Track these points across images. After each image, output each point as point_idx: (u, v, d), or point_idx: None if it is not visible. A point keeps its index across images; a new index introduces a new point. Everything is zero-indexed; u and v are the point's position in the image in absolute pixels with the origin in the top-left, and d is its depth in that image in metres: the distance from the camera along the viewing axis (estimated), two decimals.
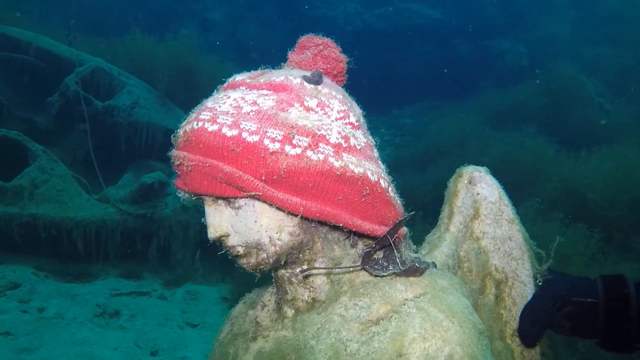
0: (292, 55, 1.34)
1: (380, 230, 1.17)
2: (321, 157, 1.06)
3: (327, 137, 1.08)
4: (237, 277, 7.28)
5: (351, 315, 1.11)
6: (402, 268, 1.16)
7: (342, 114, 1.16)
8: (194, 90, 9.95)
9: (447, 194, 1.69)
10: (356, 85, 1.46)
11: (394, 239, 1.20)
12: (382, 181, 1.15)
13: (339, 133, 1.11)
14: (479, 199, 1.68)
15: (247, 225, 1.13)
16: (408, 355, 1.00)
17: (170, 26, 12.22)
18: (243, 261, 1.17)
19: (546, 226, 6.16)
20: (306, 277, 1.21)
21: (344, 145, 1.11)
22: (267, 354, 1.18)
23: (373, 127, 1.34)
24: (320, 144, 1.07)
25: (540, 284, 1.64)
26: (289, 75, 1.18)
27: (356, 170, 1.09)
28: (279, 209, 1.11)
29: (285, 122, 1.06)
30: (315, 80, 1.19)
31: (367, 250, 1.19)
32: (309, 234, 1.17)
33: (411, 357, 1.00)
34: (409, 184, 8.59)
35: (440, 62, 15.22)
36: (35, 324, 5.87)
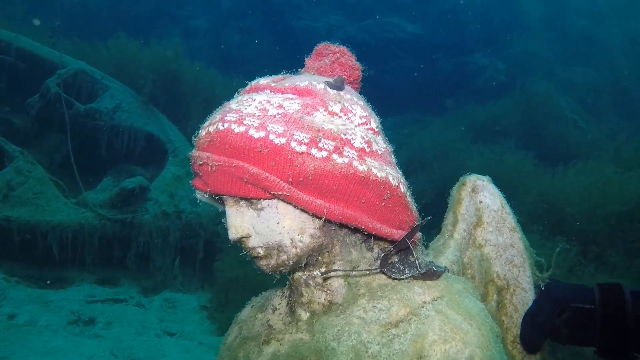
0: (309, 62, 1.36)
1: (398, 234, 1.19)
2: (346, 160, 1.08)
3: (352, 142, 1.10)
4: (217, 285, 7.20)
5: (371, 318, 1.12)
6: (420, 271, 1.18)
7: (364, 120, 1.19)
8: (178, 96, 9.88)
9: (451, 202, 1.72)
10: None
11: (410, 243, 1.22)
12: (401, 186, 1.18)
13: (362, 138, 1.13)
14: (482, 207, 1.71)
15: (269, 226, 1.13)
16: (429, 357, 1.02)
17: (154, 32, 12.14)
18: (262, 263, 1.17)
19: (527, 238, 6.27)
20: (324, 279, 1.21)
21: (367, 150, 1.13)
22: (284, 357, 1.17)
23: None
24: (345, 148, 1.09)
25: (541, 290, 1.68)
26: (313, 81, 1.20)
27: (379, 175, 1.11)
28: (302, 211, 1.12)
29: (312, 126, 1.08)
30: (338, 86, 1.21)
31: (385, 253, 1.20)
32: (329, 236, 1.19)
33: (432, 359, 1.02)
34: None
35: (421, 76, 15.47)
36: (5, 332, 5.68)
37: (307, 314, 1.24)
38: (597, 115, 14.91)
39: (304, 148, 1.05)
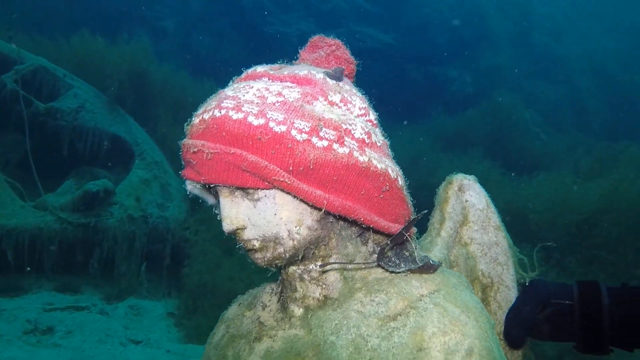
0: (304, 54, 1.35)
1: (395, 227, 1.18)
2: (347, 151, 1.06)
3: (352, 132, 1.09)
4: (184, 291, 7.04)
5: (369, 311, 1.10)
6: (417, 265, 1.16)
7: (363, 111, 1.18)
8: (146, 98, 9.66)
9: (437, 200, 1.73)
10: None
11: (406, 237, 1.21)
12: (399, 179, 1.17)
13: (362, 129, 1.11)
14: (468, 205, 1.73)
15: (265, 217, 1.10)
16: (429, 350, 1.01)
17: (119, 31, 11.80)
18: (258, 256, 1.13)
19: None
20: (320, 273, 1.19)
21: (367, 141, 1.11)
22: (278, 353, 1.14)
23: None
24: (346, 138, 1.07)
25: (524, 287, 1.71)
26: (312, 70, 1.18)
27: (379, 166, 1.10)
28: (300, 202, 1.10)
29: (312, 114, 1.06)
30: (337, 76, 1.21)
31: (382, 247, 1.19)
32: (326, 229, 1.17)
33: (432, 351, 1.01)
34: None
35: (392, 85, 15.69)
36: None
37: (301, 309, 1.21)
38: (557, 128, 15.47)
39: (304, 137, 1.03)
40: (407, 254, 1.25)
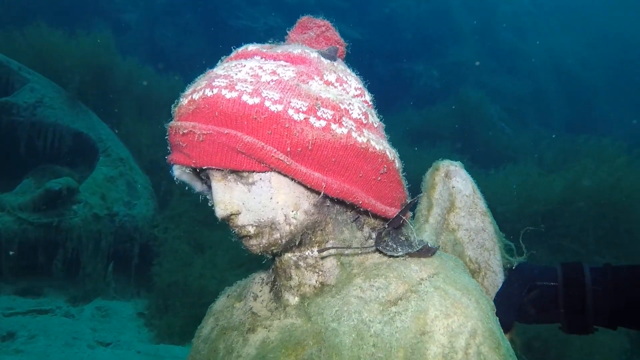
0: (292, 35, 1.30)
1: (392, 211, 1.15)
2: (345, 131, 1.02)
3: (350, 112, 1.05)
4: (155, 291, 6.88)
5: (369, 297, 1.07)
6: (416, 248, 1.14)
7: (359, 92, 1.14)
8: (109, 93, 9.34)
9: (424, 187, 1.71)
10: None
11: (403, 221, 1.19)
12: (396, 161, 1.14)
13: (360, 109, 1.08)
14: (455, 192, 1.72)
15: (261, 202, 1.05)
16: (432, 333, 0.99)
17: (79, 24, 11.30)
18: (253, 242, 1.08)
19: None
20: (316, 260, 1.14)
21: (364, 121, 1.08)
22: (276, 343, 1.09)
23: None
24: (343, 118, 1.03)
25: (510, 271, 1.72)
26: (306, 49, 1.14)
27: (377, 147, 1.07)
28: (297, 185, 1.05)
29: (309, 94, 1.01)
30: (332, 56, 1.17)
31: (379, 231, 1.16)
32: (323, 214, 1.12)
33: (435, 334, 0.99)
34: None
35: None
36: None
37: (296, 298, 1.16)
38: (521, 122, 15.88)
39: (302, 116, 0.98)
40: (402, 238, 1.22)
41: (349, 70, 1.17)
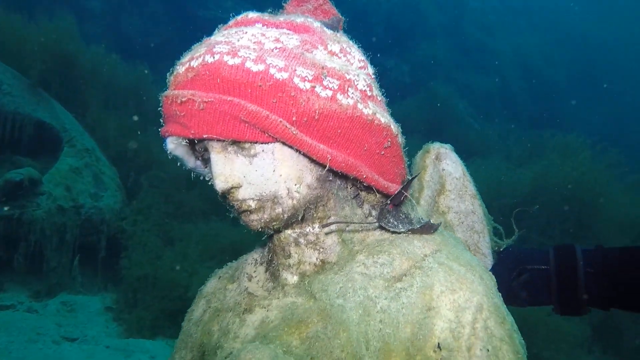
0: (289, 7, 1.26)
1: (393, 187, 1.12)
2: (351, 102, 0.98)
3: (355, 83, 1.01)
4: (123, 284, 6.70)
5: (374, 273, 1.04)
6: (418, 225, 1.12)
7: (362, 64, 1.12)
8: (73, 82, 9.00)
9: (415, 169, 1.70)
10: None
11: (404, 198, 1.17)
12: (399, 135, 1.11)
13: (364, 80, 1.04)
14: (445, 174, 1.71)
15: (263, 175, 1.01)
16: (439, 308, 0.97)
17: (37, 9, 10.77)
18: (253, 217, 1.03)
19: None
20: (317, 237, 1.11)
21: (369, 93, 1.05)
22: (276, 322, 1.05)
23: None
24: (349, 89, 0.99)
25: (500, 253, 1.72)
26: (308, 18, 1.10)
27: (382, 120, 1.04)
28: (300, 157, 1.01)
29: (315, 62, 0.97)
30: (334, 27, 1.14)
31: (382, 207, 1.13)
32: (325, 189, 1.09)
33: (442, 309, 0.97)
34: None
35: None
36: None
37: (295, 277, 1.12)
38: (488, 118, 16.20)
39: (308, 85, 0.94)
40: (403, 215, 1.20)
41: (351, 42, 1.14)
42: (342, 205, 1.13)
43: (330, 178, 1.09)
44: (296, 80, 0.93)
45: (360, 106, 0.99)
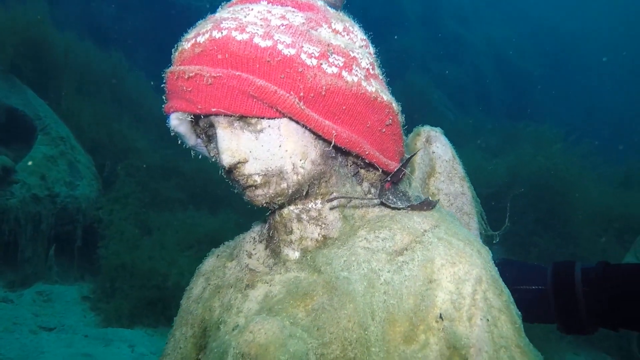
0: None
1: (393, 165, 1.16)
2: (355, 79, 1.02)
3: (359, 60, 1.04)
4: (101, 274, 6.62)
5: (376, 247, 1.08)
6: (418, 201, 1.16)
7: (364, 42, 1.15)
8: (46, 68, 8.74)
9: (406, 151, 1.74)
10: None
11: (403, 175, 1.20)
12: (399, 114, 1.14)
13: (367, 58, 1.08)
14: (435, 157, 1.75)
15: (269, 150, 1.03)
16: (440, 280, 1.02)
17: None
18: (258, 192, 1.06)
19: None
20: (319, 213, 1.13)
21: (372, 72, 1.08)
22: (280, 296, 1.07)
23: None
24: (354, 66, 1.02)
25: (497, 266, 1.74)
26: None
27: (385, 98, 1.07)
28: (305, 133, 1.04)
29: (320, 39, 1.00)
30: (337, 5, 1.16)
31: (382, 184, 1.17)
32: (327, 165, 1.12)
33: (443, 281, 1.02)
34: None
35: None
36: None
37: (297, 252, 1.15)
38: (462, 108, 16.43)
39: (314, 62, 0.97)
40: (400, 193, 1.24)
41: (353, 21, 1.17)
42: (343, 182, 1.16)
43: (333, 155, 1.12)
44: (303, 56, 0.96)
45: (364, 83, 1.03)
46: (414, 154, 1.23)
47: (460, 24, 21.02)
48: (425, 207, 1.17)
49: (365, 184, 1.23)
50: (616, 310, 1.60)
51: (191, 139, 1.17)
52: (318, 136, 1.04)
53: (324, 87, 0.97)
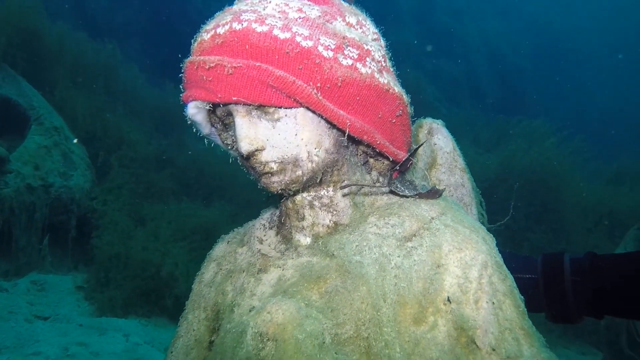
0: None
1: (401, 154, 1.20)
2: (369, 71, 1.06)
3: (373, 53, 1.08)
4: (95, 264, 6.62)
5: (386, 233, 1.12)
6: (426, 190, 1.20)
7: (376, 36, 1.18)
8: (40, 59, 8.67)
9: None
10: None
11: (410, 164, 1.25)
12: (409, 105, 1.18)
13: (380, 51, 1.12)
14: (436, 148, 1.79)
15: (286, 138, 1.07)
16: (447, 265, 1.06)
17: None
18: (274, 179, 1.09)
19: None
20: (330, 200, 1.18)
21: (384, 64, 1.12)
22: (293, 280, 1.11)
23: None
24: (367, 58, 1.06)
25: None
26: None
27: (396, 90, 1.11)
28: (320, 123, 1.08)
29: (336, 32, 1.04)
30: (351, 0, 1.19)
31: (391, 173, 1.21)
32: (340, 153, 1.16)
33: (450, 266, 1.06)
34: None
35: None
36: None
37: (308, 238, 1.19)
38: (455, 103, 16.51)
39: (331, 54, 1.01)
40: (407, 182, 1.28)
41: (365, 15, 1.20)
42: (354, 170, 1.21)
43: (345, 144, 1.16)
44: (320, 48, 0.99)
45: (377, 75, 1.06)
46: (421, 144, 1.27)
47: (453, 18, 21.09)
48: (432, 196, 1.21)
49: (374, 173, 1.27)
50: (602, 299, 1.66)
51: (206, 128, 1.20)
52: (332, 125, 1.08)
53: (340, 79, 1.00)
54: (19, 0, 8.94)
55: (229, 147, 1.22)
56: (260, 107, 1.04)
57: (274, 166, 1.08)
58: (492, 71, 19.69)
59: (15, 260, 6.51)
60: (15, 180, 6.72)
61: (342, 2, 1.16)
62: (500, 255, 1.17)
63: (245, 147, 1.05)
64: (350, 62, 1.02)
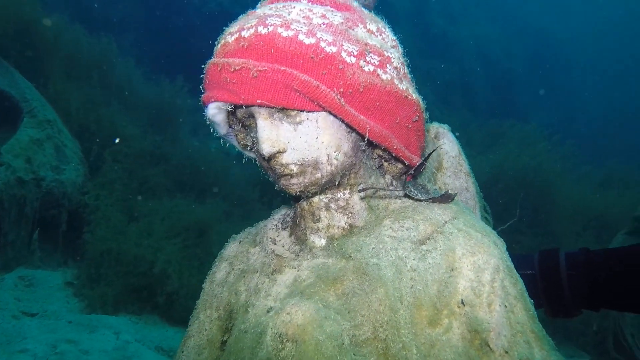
0: None
1: (415, 159, 1.22)
2: (389, 77, 1.08)
3: (392, 60, 1.10)
4: (86, 259, 6.57)
5: (401, 236, 1.14)
6: (439, 194, 1.22)
7: (394, 43, 1.20)
8: (34, 51, 8.58)
9: None
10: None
11: (424, 169, 1.26)
12: (425, 111, 1.20)
13: (399, 58, 1.14)
14: (442, 152, 1.81)
15: (307, 141, 1.08)
16: (460, 269, 1.08)
17: None
18: (294, 181, 1.11)
19: None
20: (346, 202, 1.19)
21: (402, 71, 1.14)
22: (309, 281, 1.12)
23: None
24: (387, 65, 1.08)
25: None
26: None
27: (414, 96, 1.13)
28: (340, 127, 1.09)
29: (358, 39, 1.06)
30: (370, 7, 1.21)
31: (404, 177, 1.23)
32: (357, 157, 1.18)
33: (463, 270, 1.08)
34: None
35: None
36: None
37: (323, 240, 1.21)
38: (448, 106, 16.60)
39: (353, 60, 1.03)
40: (419, 186, 1.30)
41: (384, 22, 1.23)
42: (370, 173, 1.22)
43: (363, 148, 1.18)
44: (343, 54, 1.01)
45: (397, 82, 1.08)
46: (435, 149, 1.29)
47: (447, 21, 21.21)
48: (445, 200, 1.23)
49: (388, 176, 1.29)
50: (597, 292, 1.70)
51: (224, 129, 1.21)
52: (351, 129, 1.10)
53: (362, 84, 1.02)
54: None
55: (246, 148, 1.23)
56: (282, 110, 1.05)
57: (294, 168, 1.09)
58: (485, 75, 19.85)
59: (3, 254, 6.43)
60: (6, 173, 6.64)
61: (363, 8, 1.18)
62: (510, 260, 1.19)
63: (267, 149, 1.06)
64: (371, 68, 1.04)
